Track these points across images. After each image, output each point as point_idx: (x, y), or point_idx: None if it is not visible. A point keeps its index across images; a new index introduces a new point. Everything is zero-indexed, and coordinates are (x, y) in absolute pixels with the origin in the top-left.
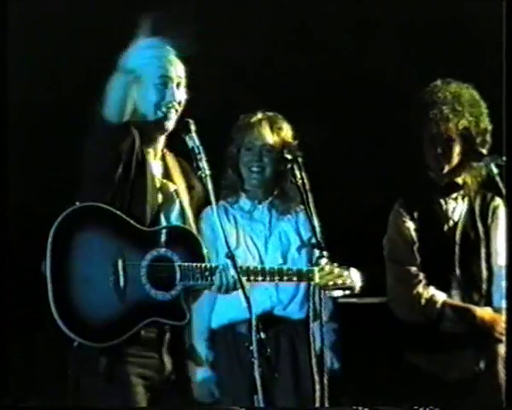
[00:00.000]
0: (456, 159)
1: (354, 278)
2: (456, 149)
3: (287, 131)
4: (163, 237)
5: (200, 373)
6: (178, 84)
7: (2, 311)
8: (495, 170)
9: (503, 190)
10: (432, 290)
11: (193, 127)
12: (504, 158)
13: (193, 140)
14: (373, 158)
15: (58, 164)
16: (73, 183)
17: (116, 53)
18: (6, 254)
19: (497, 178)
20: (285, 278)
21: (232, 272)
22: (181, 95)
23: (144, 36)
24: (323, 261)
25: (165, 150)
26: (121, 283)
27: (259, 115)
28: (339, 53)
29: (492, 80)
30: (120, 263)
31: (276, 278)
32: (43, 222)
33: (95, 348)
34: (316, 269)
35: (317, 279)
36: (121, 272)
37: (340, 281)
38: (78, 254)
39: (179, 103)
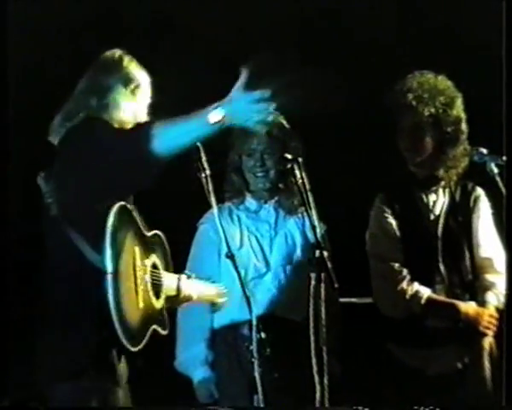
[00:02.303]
0: (428, 149)
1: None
2: (426, 139)
3: (284, 128)
4: (153, 244)
5: (200, 373)
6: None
7: (2, 311)
8: (495, 170)
9: (503, 190)
10: (416, 286)
11: None
12: (504, 158)
13: None
14: (353, 154)
15: None
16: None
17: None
18: (6, 254)
19: (497, 178)
20: None
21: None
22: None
23: None
24: None
25: None
26: (138, 287)
27: None
28: (333, 52)
29: (492, 81)
30: (139, 266)
31: None
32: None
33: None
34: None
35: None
36: (139, 276)
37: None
38: (120, 250)
39: None
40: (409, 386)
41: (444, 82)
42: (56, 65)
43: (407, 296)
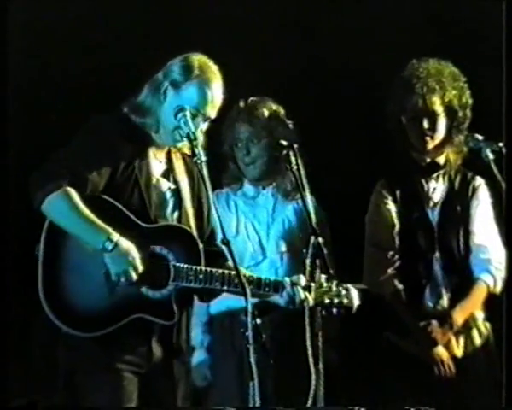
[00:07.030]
0: (441, 134)
1: (352, 296)
2: (442, 124)
3: (271, 114)
4: (160, 235)
5: (195, 357)
6: (206, 120)
7: (2, 310)
8: (490, 156)
9: (498, 176)
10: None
11: (188, 113)
12: (500, 144)
13: (188, 126)
14: (354, 140)
15: None
16: None
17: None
18: (6, 253)
19: (492, 165)
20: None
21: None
22: (203, 127)
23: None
24: (322, 278)
25: (173, 149)
26: (113, 276)
27: (241, 104)
28: (333, 47)
29: (492, 80)
30: None
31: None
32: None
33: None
34: (313, 285)
35: (312, 296)
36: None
37: (336, 300)
38: (73, 240)
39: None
40: (409, 374)
41: (451, 67)
42: (56, 66)
43: (391, 284)
